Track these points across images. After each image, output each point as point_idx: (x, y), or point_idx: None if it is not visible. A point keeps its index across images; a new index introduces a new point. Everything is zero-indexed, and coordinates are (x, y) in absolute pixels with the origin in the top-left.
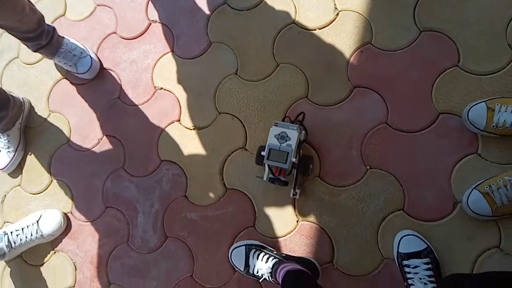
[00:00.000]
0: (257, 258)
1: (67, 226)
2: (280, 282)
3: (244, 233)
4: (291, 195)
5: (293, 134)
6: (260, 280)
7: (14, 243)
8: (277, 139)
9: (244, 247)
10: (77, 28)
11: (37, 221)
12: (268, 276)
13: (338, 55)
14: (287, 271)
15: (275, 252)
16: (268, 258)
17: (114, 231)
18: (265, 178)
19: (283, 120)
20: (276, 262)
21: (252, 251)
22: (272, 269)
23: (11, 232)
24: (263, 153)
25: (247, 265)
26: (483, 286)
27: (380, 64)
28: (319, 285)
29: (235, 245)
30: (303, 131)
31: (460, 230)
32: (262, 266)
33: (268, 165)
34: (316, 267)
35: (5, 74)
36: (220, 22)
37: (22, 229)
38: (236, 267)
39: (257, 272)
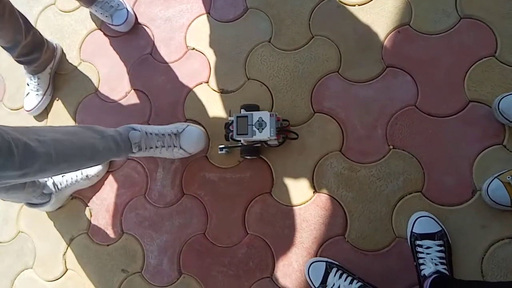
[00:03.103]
0: (340, 277)
1: None
2: None
3: (260, 198)
4: (219, 146)
5: (265, 134)
6: None
7: (60, 184)
8: (258, 121)
9: (325, 263)
10: None
11: None
12: None
13: (374, 33)
14: None
15: (357, 276)
16: (352, 280)
17: (133, 183)
18: (237, 115)
19: (284, 120)
20: (361, 285)
21: (334, 269)
22: None
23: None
24: (243, 111)
25: (324, 281)
26: None
27: (416, 46)
28: None
29: (315, 258)
30: (276, 140)
31: (476, 218)
32: (346, 287)
33: (236, 117)
34: None
35: (40, 19)
36: None
37: None
38: (311, 280)
39: None
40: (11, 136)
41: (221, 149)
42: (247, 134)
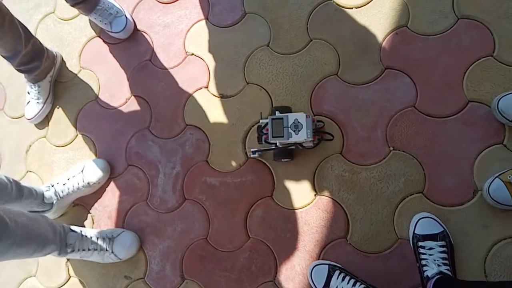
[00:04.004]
0: (343, 280)
1: None
2: None
3: (261, 202)
4: (251, 150)
5: (302, 136)
6: None
7: (62, 192)
8: (294, 123)
9: (327, 266)
10: None
11: (82, 171)
12: None
13: (372, 35)
14: None
15: (360, 278)
16: (355, 282)
17: (134, 189)
18: (267, 120)
19: (318, 121)
20: (364, 287)
21: (337, 272)
22: None
23: (57, 183)
24: (278, 113)
25: (327, 284)
26: None
27: (414, 47)
28: None
29: (318, 262)
30: (312, 142)
31: (477, 218)
32: None
33: (271, 119)
34: None
35: (40, 28)
36: None
37: (68, 179)
38: (314, 283)
39: None
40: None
41: (254, 152)
42: (283, 136)
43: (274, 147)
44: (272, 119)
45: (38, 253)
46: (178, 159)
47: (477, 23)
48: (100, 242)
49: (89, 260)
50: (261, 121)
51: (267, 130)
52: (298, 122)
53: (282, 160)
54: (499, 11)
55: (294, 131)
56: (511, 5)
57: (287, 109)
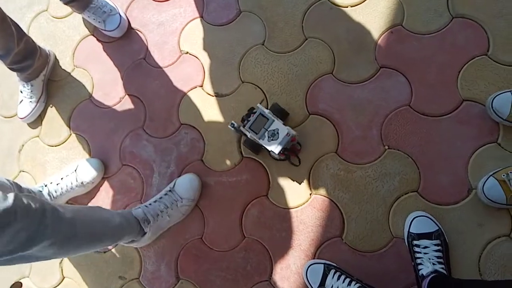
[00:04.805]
0: (338, 279)
1: None
2: None
3: (256, 201)
4: (231, 122)
5: (271, 145)
6: None
7: (55, 192)
8: (274, 131)
9: (323, 265)
10: None
11: (75, 171)
12: None
13: (367, 34)
14: None
15: (356, 277)
16: (350, 281)
17: (129, 189)
18: (261, 112)
19: (298, 143)
20: (360, 287)
21: (332, 271)
22: None
23: (50, 183)
24: (270, 111)
25: (322, 283)
26: None
27: (409, 46)
28: None
29: (313, 261)
30: (278, 156)
31: (472, 216)
32: None
33: (259, 113)
34: None
35: (33, 26)
36: None
37: (61, 178)
38: (309, 282)
39: None
40: (41, 199)
41: (232, 125)
42: (257, 133)
43: (248, 136)
44: (260, 113)
45: (110, 237)
46: (172, 159)
47: (471, 22)
48: (165, 198)
49: (172, 224)
50: (257, 105)
51: (250, 117)
52: (277, 133)
53: (248, 149)
54: (493, 10)
55: (268, 137)
56: (505, 4)
57: (283, 114)
